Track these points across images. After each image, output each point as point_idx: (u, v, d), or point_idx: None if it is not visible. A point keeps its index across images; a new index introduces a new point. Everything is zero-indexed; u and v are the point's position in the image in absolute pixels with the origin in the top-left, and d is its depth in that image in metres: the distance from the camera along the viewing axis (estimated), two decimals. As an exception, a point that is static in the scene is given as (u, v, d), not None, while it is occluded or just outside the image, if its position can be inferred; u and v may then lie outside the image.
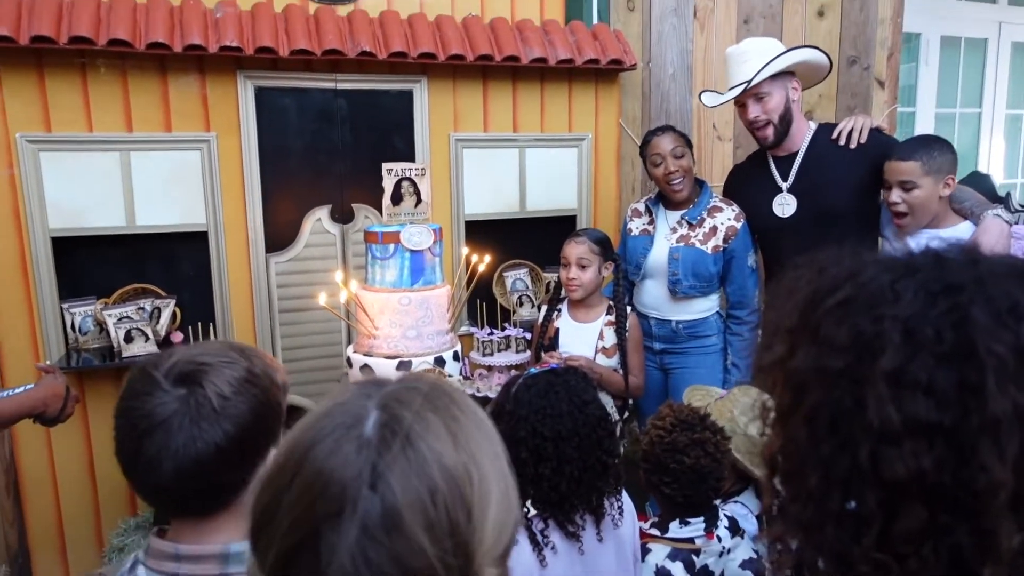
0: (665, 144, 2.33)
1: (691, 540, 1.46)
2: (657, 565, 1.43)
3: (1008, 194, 3.61)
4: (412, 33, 2.59)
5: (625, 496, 1.42)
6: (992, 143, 5.18)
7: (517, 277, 3.01)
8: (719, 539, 1.47)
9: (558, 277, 2.38)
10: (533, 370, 1.44)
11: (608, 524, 1.36)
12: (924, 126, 4.89)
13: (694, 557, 1.44)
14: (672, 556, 1.44)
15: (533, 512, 1.33)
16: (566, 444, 1.30)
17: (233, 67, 2.47)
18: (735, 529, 1.51)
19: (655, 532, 1.48)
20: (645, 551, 1.46)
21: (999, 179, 5.09)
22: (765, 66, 2.16)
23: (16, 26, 2.18)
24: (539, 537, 1.30)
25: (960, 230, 2.05)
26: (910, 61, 4.88)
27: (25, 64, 2.28)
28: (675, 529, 1.47)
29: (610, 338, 2.24)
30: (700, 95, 2.43)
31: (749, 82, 2.19)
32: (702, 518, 1.47)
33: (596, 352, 2.24)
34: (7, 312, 2.38)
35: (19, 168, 2.31)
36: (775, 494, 0.64)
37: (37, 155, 2.33)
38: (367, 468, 0.51)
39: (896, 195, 2.03)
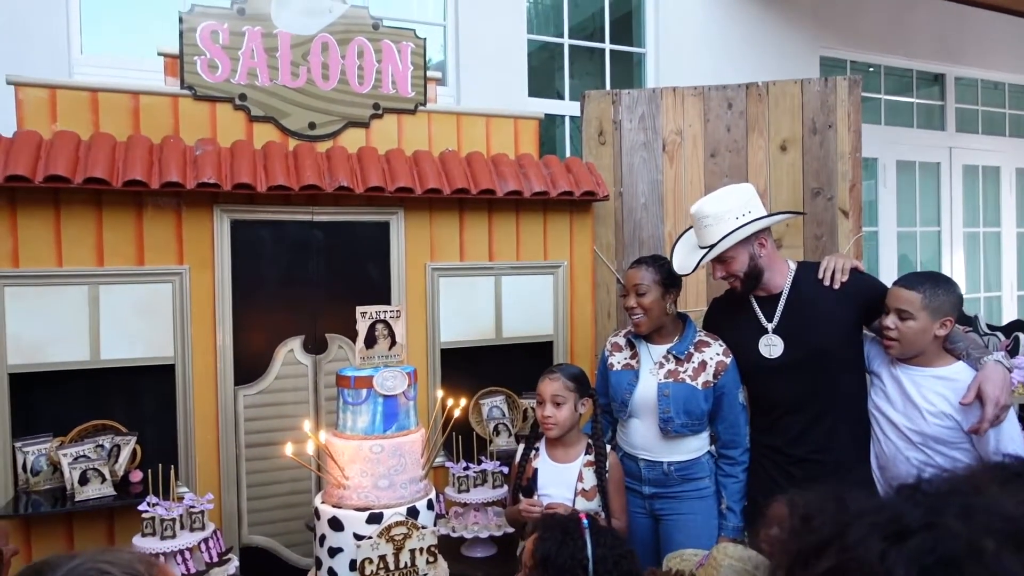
0: (632, 279, 2.34)
1: None
2: None
3: (976, 316, 3.69)
4: (390, 168, 2.65)
5: None
6: (953, 260, 5.36)
7: (494, 404, 2.95)
8: None
9: (535, 411, 2.32)
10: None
11: None
12: (887, 245, 5.07)
13: None
14: None
15: None
16: None
17: (210, 201, 2.49)
18: None
19: None
20: None
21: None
22: (715, 244, 2.21)
23: (-8, 166, 2.18)
24: None
25: (956, 371, 2.03)
26: (869, 180, 5.11)
27: (-2, 201, 2.27)
28: None
29: (589, 479, 2.17)
30: (672, 253, 2.43)
31: (700, 261, 2.26)
32: None
33: (576, 494, 2.16)
34: (-45, 454, 2.25)
35: (-18, 304, 2.25)
36: None
37: (1, 290, 2.28)
38: None
39: (891, 320, 2.04)
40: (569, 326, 3.01)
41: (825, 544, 0.55)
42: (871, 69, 5.22)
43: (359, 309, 1.87)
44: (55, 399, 2.44)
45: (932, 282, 2.03)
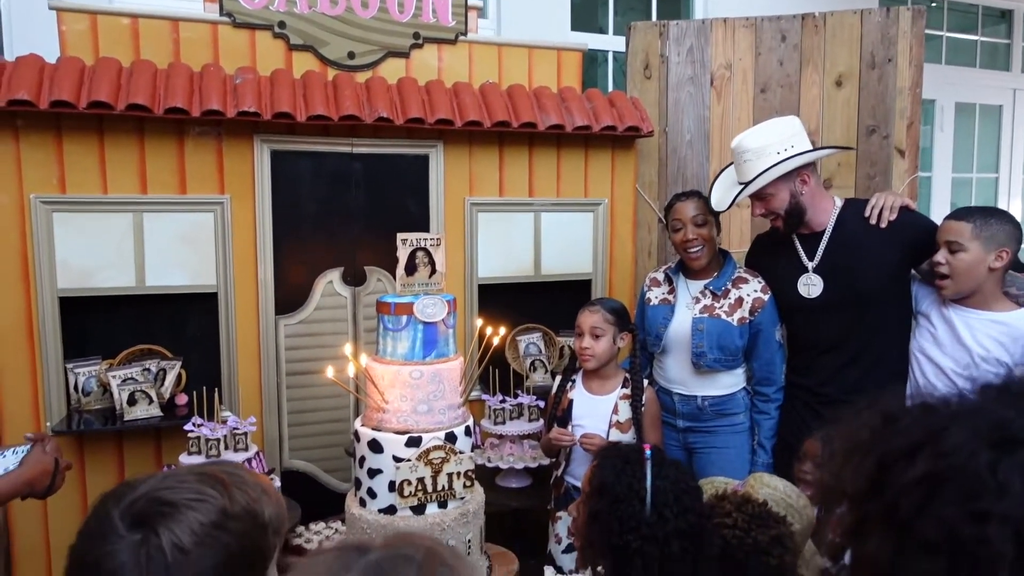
0: (687, 210, 2.28)
1: None
2: None
3: (1032, 264, 3.54)
4: (429, 99, 2.60)
5: None
6: (1010, 208, 5.14)
7: (530, 341, 2.95)
8: None
9: (572, 345, 2.32)
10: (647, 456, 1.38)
11: None
12: (940, 190, 4.87)
13: None
14: None
15: None
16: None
17: (250, 131, 2.48)
18: None
19: None
20: None
21: (1018, 245, 5.03)
22: (753, 180, 2.12)
23: (37, 91, 2.19)
24: None
25: (1017, 317, 1.94)
26: (925, 124, 4.89)
27: (44, 127, 2.29)
28: None
29: (625, 412, 2.17)
30: (711, 189, 2.37)
31: (737, 197, 2.18)
32: None
33: (610, 426, 2.16)
34: (10, 371, 2.34)
35: (31, 228, 2.30)
36: None
37: (50, 216, 2.32)
38: None
39: (941, 255, 1.95)
40: (608, 265, 2.98)
41: (917, 447, 0.51)
42: (933, 3, 4.94)
43: (400, 236, 1.86)
44: (103, 323, 2.50)
45: (983, 213, 1.94)
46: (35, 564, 2.38)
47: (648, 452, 1.38)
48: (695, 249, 2.26)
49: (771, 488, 1.52)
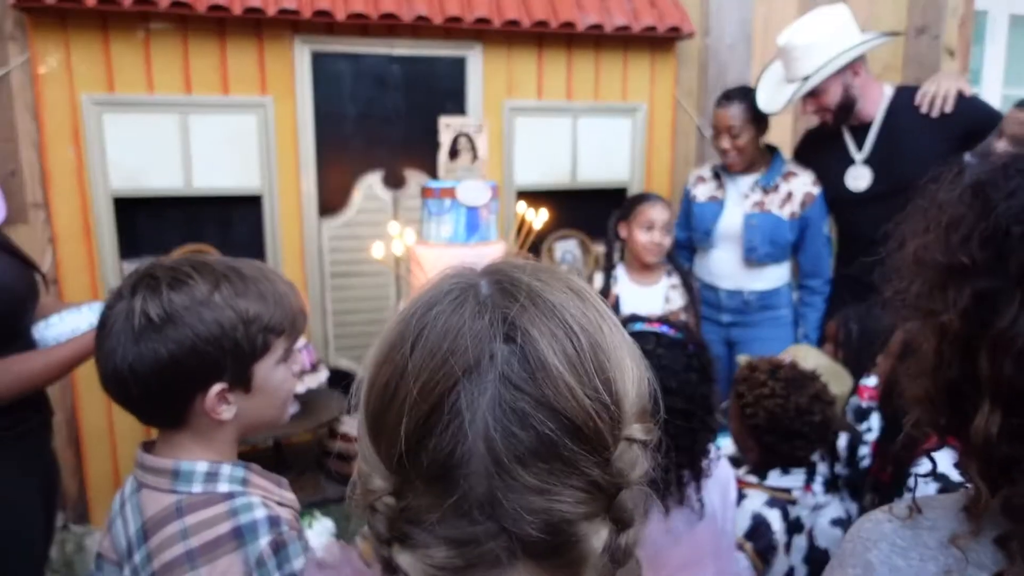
0: (726, 119, 2.26)
1: (788, 491, 1.43)
2: (754, 511, 1.40)
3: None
4: (468, -2, 2.57)
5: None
6: (1063, 127, 4.96)
7: (567, 249, 2.98)
8: (814, 494, 1.44)
9: (605, 248, 2.34)
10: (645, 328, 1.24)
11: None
12: (990, 108, 4.71)
13: (789, 507, 1.41)
14: (770, 503, 1.41)
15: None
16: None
17: (290, 32, 2.49)
18: (829, 486, 1.49)
19: (752, 479, 1.45)
20: (741, 496, 1.43)
21: (1069, 165, 4.86)
22: (809, 78, 2.07)
23: (83, -14, 2.22)
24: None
25: None
26: (975, 43, 4.67)
27: (90, 25, 2.32)
28: (775, 477, 1.44)
29: (676, 300, 2.20)
30: (756, 90, 2.31)
31: (793, 96, 2.12)
32: (803, 470, 1.44)
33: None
34: (70, 269, 2.44)
35: (83, 129, 2.36)
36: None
37: (100, 116, 2.37)
38: (498, 320, 0.47)
39: (1002, 145, 1.92)
40: (646, 173, 2.96)
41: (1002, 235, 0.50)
42: (992, -90, 4.66)
43: (443, 120, 1.88)
44: (154, 224, 2.58)
45: None
46: (101, 447, 2.53)
47: (661, 327, 1.24)
48: (728, 158, 2.29)
49: (813, 359, 1.55)
